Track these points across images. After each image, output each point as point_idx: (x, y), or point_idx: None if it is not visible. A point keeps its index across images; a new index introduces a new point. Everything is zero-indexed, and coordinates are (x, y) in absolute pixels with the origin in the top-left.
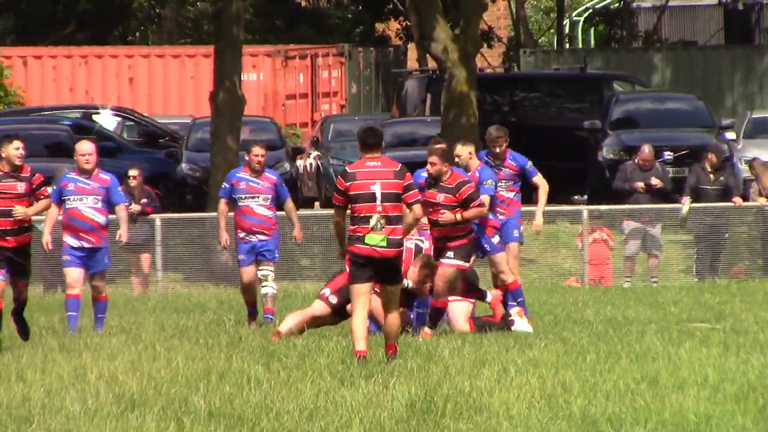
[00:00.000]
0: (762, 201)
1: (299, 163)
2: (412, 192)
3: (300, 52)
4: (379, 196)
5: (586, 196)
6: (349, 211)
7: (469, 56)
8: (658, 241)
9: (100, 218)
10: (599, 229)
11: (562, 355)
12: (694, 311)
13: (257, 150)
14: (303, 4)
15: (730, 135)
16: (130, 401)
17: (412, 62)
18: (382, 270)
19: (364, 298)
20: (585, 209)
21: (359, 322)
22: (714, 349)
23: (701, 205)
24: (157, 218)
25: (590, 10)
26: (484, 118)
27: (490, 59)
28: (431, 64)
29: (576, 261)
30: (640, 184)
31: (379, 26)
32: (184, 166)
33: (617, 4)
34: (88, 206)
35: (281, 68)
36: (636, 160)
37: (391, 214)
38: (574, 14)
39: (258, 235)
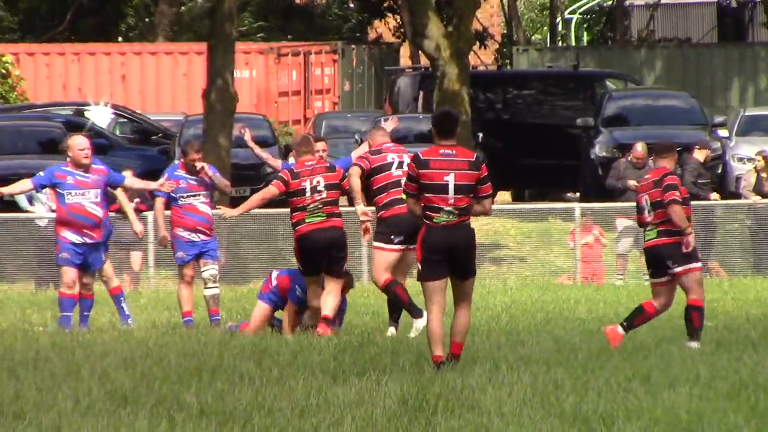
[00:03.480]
0: (755, 198)
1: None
2: (486, 185)
3: (293, 49)
4: (452, 187)
5: (578, 194)
6: None
7: (462, 54)
8: None
9: (100, 212)
10: (590, 228)
11: (554, 352)
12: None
13: (196, 146)
14: (297, 1)
15: (723, 132)
16: (122, 398)
17: (405, 60)
18: (455, 263)
19: (439, 297)
20: (577, 207)
21: (436, 324)
22: (706, 346)
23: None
24: (150, 215)
25: (583, 7)
26: (476, 116)
27: (483, 57)
28: (424, 61)
29: (568, 258)
30: (633, 182)
31: (377, 24)
32: (176, 163)
33: (610, 2)
34: (90, 201)
35: (274, 65)
36: (629, 158)
37: (462, 206)
38: (567, 12)
39: (200, 234)
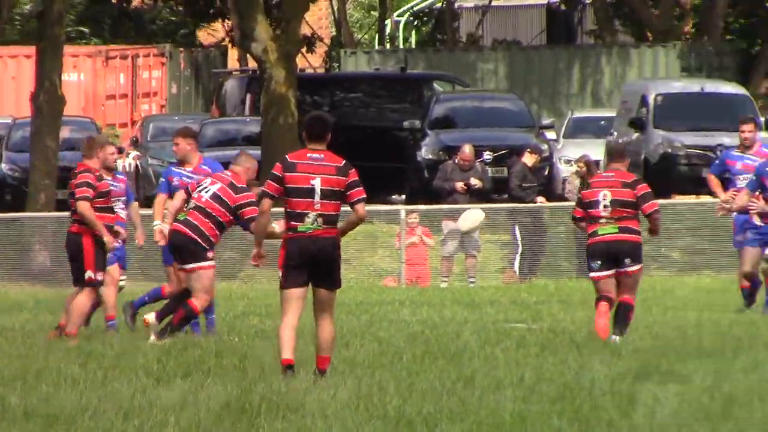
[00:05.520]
0: None
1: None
2: (355, 190)
3: (121, 52)
4: (318, 192)
5: (404, 196)
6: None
7: (290, 56)
8: (475, 242)
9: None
10: (416, 227)
11: (378, 355)
12: (510, 311)
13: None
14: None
15: (551, 134)
16: None
17: (233, 63)
18: (318, 270)
19: (296, 305)
20: (403, 209)
21: (288, 328)
22: (531, 349)
23: (522, 206)
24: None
25: (413, 9)
26: (304, 119)
27: (311, 59)
28: (252, 64)
29: (394, 261)
30: (460, 184)
31: (205, 30)
32: (3, 166)
33: (440, 4)
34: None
35: (102, 69)
36: (456, 160)
37: (329, 213)
38: (395, 14)
39: None
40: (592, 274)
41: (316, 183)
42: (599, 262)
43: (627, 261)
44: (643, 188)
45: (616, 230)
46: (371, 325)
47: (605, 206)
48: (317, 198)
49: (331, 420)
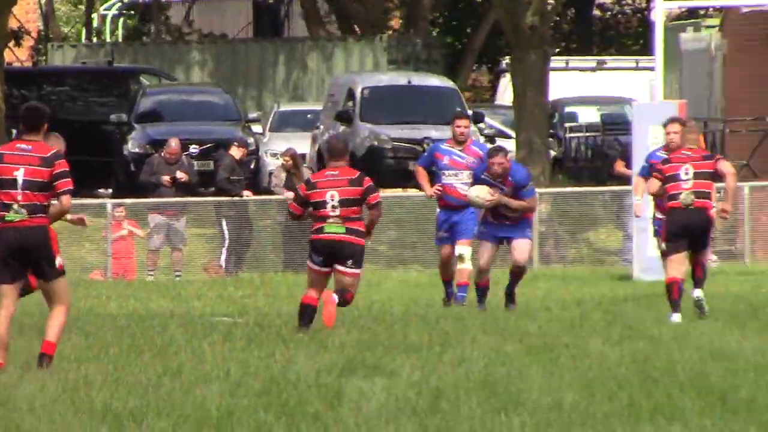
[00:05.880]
0: (288, 194)
1: None
2: (62, 181)
3: None
4: (20, 182)
5: (111, 190)
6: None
7: None
8: (182, 235)
9: None
10: (123, 221)
11: (85, 348)
12: (217, 305)
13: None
14: None
15: (257, 128)
16: None
17: None
18: (28, 261)
19: (8, 301)
20: (110, 203)
21: (2, 328)
22: (237, 343)
23: (232, 199)
24: None
25: (119, 3)
26: (11, 113)
27: (18, 53)
28: None
29: (100, 254)
30: (166, 178)
31: None
32: None
33: None
34: None
35: None
36: (162, 154)
37: (33, 203)
38: (102, 8)
39: None
40: (311, 266)
41: (19, 174)
42: (321, 258)
43: (349, 263)
44: (368, 181)
45: (343, 231)
46: (78, 319)
47: (333, 206)
48: (20, 189)
49: (39, 414)
